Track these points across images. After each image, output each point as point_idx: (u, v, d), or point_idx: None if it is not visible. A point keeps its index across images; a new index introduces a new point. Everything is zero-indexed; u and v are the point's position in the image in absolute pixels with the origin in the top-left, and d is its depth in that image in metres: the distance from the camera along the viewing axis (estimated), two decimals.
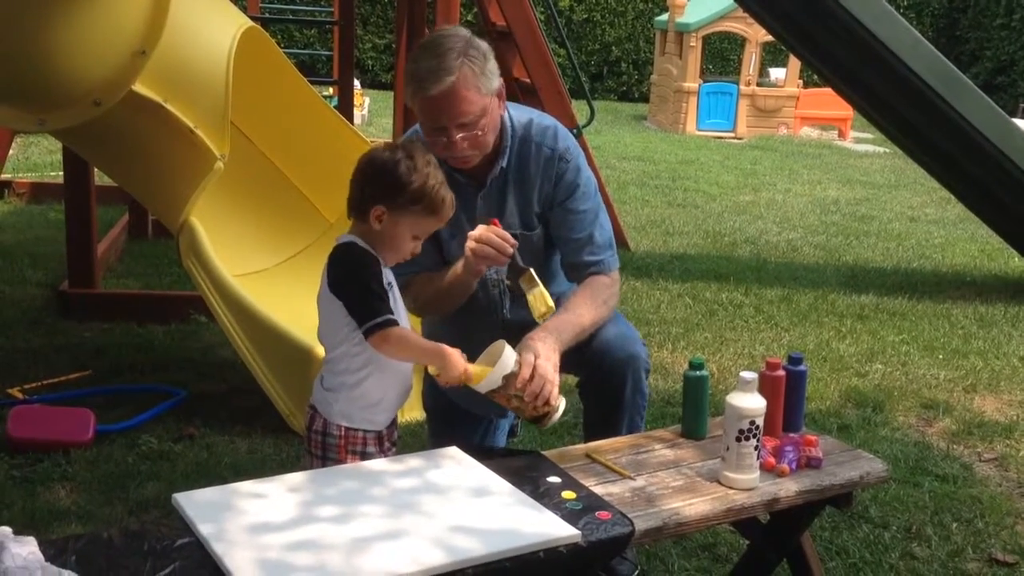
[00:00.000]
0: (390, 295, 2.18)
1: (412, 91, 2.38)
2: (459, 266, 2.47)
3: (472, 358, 2.24)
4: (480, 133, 2.41)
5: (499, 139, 2.53)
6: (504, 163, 2.55)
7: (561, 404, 2.29)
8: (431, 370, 2.27)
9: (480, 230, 2.38)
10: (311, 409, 2.26)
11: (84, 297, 4.65)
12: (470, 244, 2.38)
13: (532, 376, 2.21)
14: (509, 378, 2.19)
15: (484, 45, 2.43)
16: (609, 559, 1.94)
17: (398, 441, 2.34)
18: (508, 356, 2.20)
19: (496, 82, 2.43)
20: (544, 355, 2.27)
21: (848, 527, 2.98)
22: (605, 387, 2.60)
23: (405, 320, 2.26)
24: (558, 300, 2.57)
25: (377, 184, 2.14)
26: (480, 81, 2.37)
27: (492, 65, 2.43)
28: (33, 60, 3.19)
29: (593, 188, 2.66)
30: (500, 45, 6.95)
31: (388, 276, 2.21)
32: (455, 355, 2.18)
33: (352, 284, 2.15)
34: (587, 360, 2.54)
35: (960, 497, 3.24)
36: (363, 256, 2.16)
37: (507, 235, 2.36)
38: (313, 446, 2.24)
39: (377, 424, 2.24)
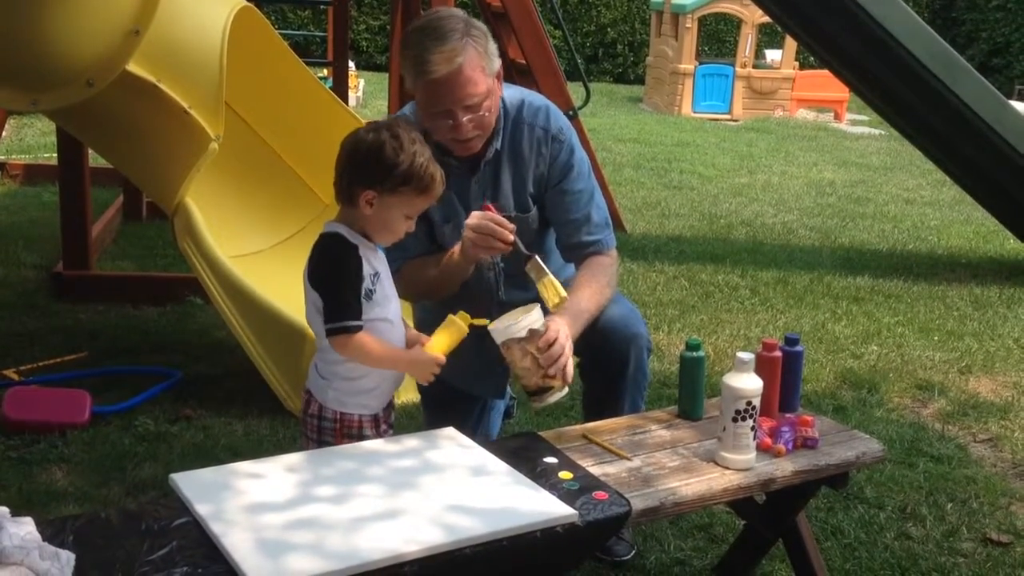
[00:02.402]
0: (376, 285, 2.15)
1: (415, 74, 2.34)
2: (455, 252, 2.46)
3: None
4: (486, 115, 2.40)
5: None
6: (498, 145, 2.54)
7: (565, 388, 2.29)
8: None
9: (476, 217, 2.34)
10: (307, 393, 2.26)
11: (79, 279, 4.64)
12: (468, 234, 2.35)
13: (554, 341, 2.22)
14: (534, 334, 2.20)
15: (483, 26, 2.41)
16: (606, 539, 1.95)
17: (394, 423, 2.34)
18: (538, 313, 2.22)
19: (497, 63, 2.42)
20: (567, 333, 2.29)
21: (843, 507, 3.00)
22: (608, 366, 2.59)
23: (395, 307, 2.24)
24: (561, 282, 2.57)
25: (364, 168, 2.10)
26: (485, 62, 2.36)
27: (493, 46, 2.41)
28: (26, 39, 3.17)
29: (587, 168, 2.65)
30: (496, 26, 6.92)
31: (375, 265, 2.18)
32: (419, 356, 2.18)
33: (328, 282, 2.13)
34: (590, 339, 2.52)
35: (955, 478, 3.25)
36: (344, 252, 2.12)
37: (505, 221, 2.33)
38: (309, 430, 2.24)
39: (372, 408, 2.23)
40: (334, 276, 2.12)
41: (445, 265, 2.50)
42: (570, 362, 2.28)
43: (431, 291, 2.58)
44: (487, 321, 2.20)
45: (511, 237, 2.32)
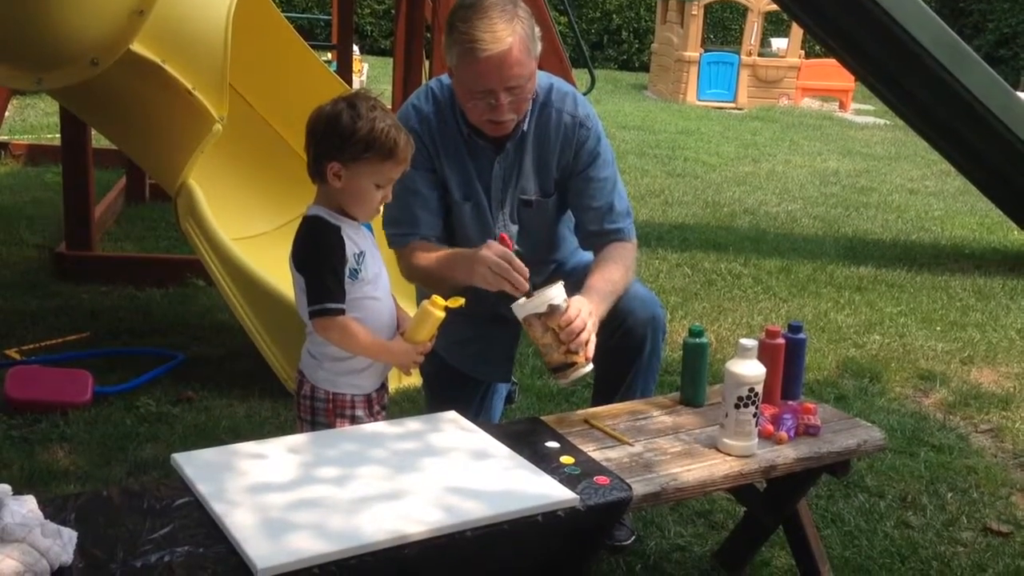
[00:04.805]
0: (361, 264, 2.15)
1: (462, 52, 2.32)
2: (463, 263, 2.37)
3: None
4: (527, 96, 2.40)
5: None
6: (525, 127, 2.53)
7: (589, 365, 2.28)
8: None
9: (495, 254, 2.25)
10: (300, 374, 2.26)
11: (81, 259, 4.64)
12: (482, 268, 2.26)
13: (575, 318, 2.21)
14: (554, 310, 2.19)
15: (526, 7, 2.39)
16: (610, 525, 1.94)
17: (388, 404, 2.34)
18: (559, 290, 2.22)
19: (539, 46, 2.41)
20: (590, 311, 2.28)
21: (844, 495, 3.00)
22: (625, 347, 2.57)
23: (384, 284, 2.23)
24: (573, 271, 2.55)
25: (325, 140, 2.10)
26: (531, 45, 2.36)
27: (536, 28, 2.40)
28: (30, 17, 3.15)
29: (612, 156, 2.64)
30: None
31: (360, 244, 2.17)
32: (398, 346, 2.18)
33: (310, 265, 2.13)
34: (609, 320, 2.47)
35: (955, 467, 3.25)
36: (325, 234, 2.12)
37: (523, 268, 2.25)
38: (302, 411, 2.24)
39: (364, 388, 2.23)
40: (315, 259, 2.12)
41: (449, 273, 2.43)
42: (592, 338, 2.27)
43: (429, 284, 2.53)
44: (462, 301, 2.16)
45: (527, 287, 2.25)
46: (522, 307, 2.23)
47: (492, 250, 2.27)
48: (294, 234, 2.20)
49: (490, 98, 2.36)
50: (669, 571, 2.60)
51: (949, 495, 3.06)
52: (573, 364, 2.25)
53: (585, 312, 2.25)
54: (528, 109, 2.50)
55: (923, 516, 2.93)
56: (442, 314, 2.15)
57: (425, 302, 2.17)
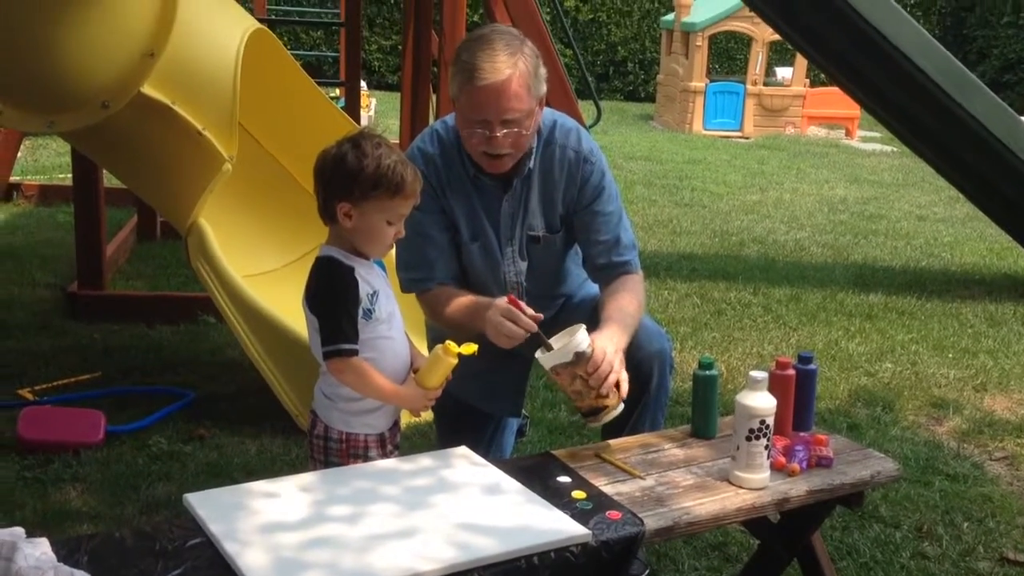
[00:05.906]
0: (375, 304, 2.16)
1: (462, 81, 2.35)
2: (478, 312, 2.40)
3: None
4: (523, 134, 2.41)
5: None
6: (531, 164, 2.55)
7: (620, 406, 2.29)
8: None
9: (500, 312, 2.29)
10: (312, 414, 2.27)
11: (93, 298, 4.66)
12: (489, 327, 2.31)
13: (602, 362, 2.22)
14: (580, 357, 2.20)
15: (534, 49, 2.42)
16: (626, 561, 1.92)
17: (400, 443, 2.33)
18: (583, 336, 2.22)
19: (543, 88, 2.43)
20: (615, 348, 2.28)
21: (859, 527, 2.98)
22: (632, 381, 2.53)
23: (398, 323, 2.24)
24: (580, 304, 2.55)
25: (332, 181, 2.12)
26: (532, 82, 2.38)
27: (543, 70, 2.43)
28: (42, 62, 3.20)
29: (616, 189, 2.66)
30: None
31: (373, 284, 2.18)
32: (410, 392, 2.19)
33: (323, 306, 2.14)
34: None
35: (971, 496, 3.23)
36: (339, 275, 2.13)
37: (530, 324, 2.27)
38: (315, 451, 2.24)
39: (377, 428, 2.24)
40: (329, 300, 2.13)
41: (470, 320, 2.46)
42: (624, 376, 2.28)
43: (451, 329, 2.54)
44: (475, 348, 2.17)
45: (522, 336, 2.27)
46: (548, 358, 2.23)
47: (497, 310, 2.31)
48: (305, 271, 2.21)
49: (485, 128, 2.38)
50: None
51: (965, 525, 3.04)
52: (605, 408, 2.26)
53: (611, 352, 2.25)
54: (532, 147, 2.52)
55: (939, 546, 2.91)
56: (455, 360, 2.16)
57: (438, 348, 2.17)
